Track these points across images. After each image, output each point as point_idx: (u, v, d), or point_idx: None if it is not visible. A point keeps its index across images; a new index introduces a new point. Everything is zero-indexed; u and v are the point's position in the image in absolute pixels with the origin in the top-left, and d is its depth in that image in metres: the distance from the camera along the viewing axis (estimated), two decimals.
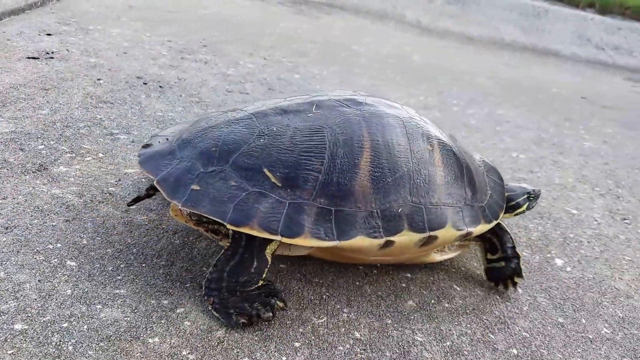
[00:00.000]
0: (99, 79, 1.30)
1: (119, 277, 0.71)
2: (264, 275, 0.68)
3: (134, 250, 0.77)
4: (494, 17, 3.24)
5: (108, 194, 0.88)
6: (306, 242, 0.65)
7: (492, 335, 0.74)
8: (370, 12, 3.13)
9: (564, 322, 0.80)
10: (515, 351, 0.72)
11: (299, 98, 0.78)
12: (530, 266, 0.92)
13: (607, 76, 2.71)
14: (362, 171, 0.69)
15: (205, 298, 0.67)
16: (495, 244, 0.83)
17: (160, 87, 1.34)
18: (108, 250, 0.75)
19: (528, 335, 0.75)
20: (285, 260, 0.81)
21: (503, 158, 1.36)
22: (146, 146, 0.75)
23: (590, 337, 0.78)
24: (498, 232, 0.83)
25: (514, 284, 0.82)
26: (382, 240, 0.69)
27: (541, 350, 0.73)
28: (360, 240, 0.68)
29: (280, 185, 0.67)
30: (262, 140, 0.69)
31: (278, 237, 0.64)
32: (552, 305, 0.83)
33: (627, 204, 1.23)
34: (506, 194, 0.86)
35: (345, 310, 0.74)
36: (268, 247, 0.68)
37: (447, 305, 0.79)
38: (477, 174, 0.82)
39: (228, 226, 0.64)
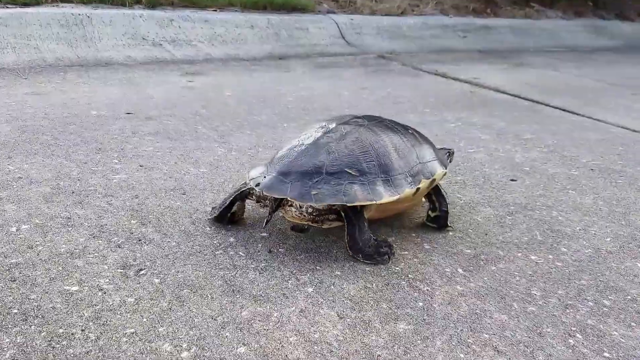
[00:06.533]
0: None
1: None
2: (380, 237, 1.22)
3: None
4: (31, 37, 2.90)
5: None
6: (386, 199, 1.14)
7: None
8: None
9: None
10: None
11: (322, 128, 1.24)
12: None
13: (164, 75, 2.76)
14: (392, 154, 1.20)
15: (354, 256, 1.16)
16: (436, 206, 1.33)
17: None
18: None
19: None
20: None
21: None
22: (257, 184, 1.14)
23: None
24: (438, 196, 1.33)
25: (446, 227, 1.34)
26: (414, 189, 1.19)
27: None
28: (407, 191, 1.18)
29: (357, 175, 1.14)
30: (332, 155, 1.15)
31: (375, 202, 1.13)
32: None
33: (146, 251, 1.16)
34: None
35: None
36: (365, 214, 1.17)
37: None
38: (433, 143, 1.37)
39: (347, 204, 1.11)
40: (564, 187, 1.65)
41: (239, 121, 2.09)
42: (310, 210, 1.15)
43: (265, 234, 1.24)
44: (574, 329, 0.99)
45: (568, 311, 1.05)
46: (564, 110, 2.65)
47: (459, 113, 2.45)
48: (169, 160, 1.63)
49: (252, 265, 1.11)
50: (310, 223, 1.17)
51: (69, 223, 1.21)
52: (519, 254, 1.25)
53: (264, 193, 1.13)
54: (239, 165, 1.64)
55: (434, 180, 1.26)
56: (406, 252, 1.22)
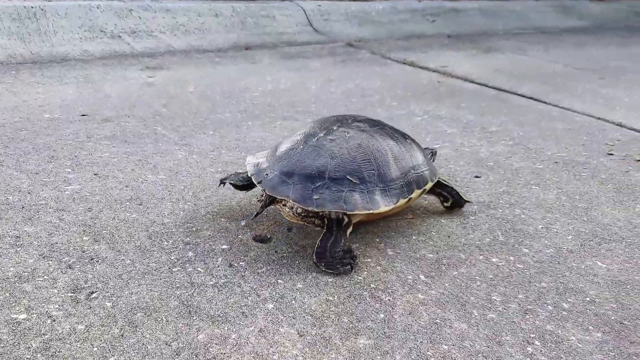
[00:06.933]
0: None
1: None
2: (345, 246, 1.20)
3: None
4: None
5: None
6: (383, 209, 1.19)
7: None
8: None
9: None
10: None
11: (325, 129, 1.27)
12: None
13: (122, 70, 2.69)
14: (392, 164, 1.25)
15: (317, 263, 1.17)
16: (447, 197, 1.44)
17: None
18: None
19: None
20: None
21: None
22: (260, 182, 1.20)
23: None
24: (444, 189, 1.44)
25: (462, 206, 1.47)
26: (408, 199, 1.26)
27: None
28: (401, 202, 1.24)
29: (358, 183, 1.18)
30: (335, 160, 1.20)
31: (372, 211, 1.18)
32: None
33: (98, 271, 1.13)
34: None
35: None
36: (348, 230, 1.21)
37: None
38: (425, 150, 1.50)
39: (348, 212, 1.16)
40: (528, 183, 1.68)
41: (201, 120, 2.06)
42: (299, 210, 1.20)
43: (226, 246, 1.23)
44: (533, 335, 1.01)
45: (527, 317, 1.06)
46: (531, 98, 2.68)
47: (427, 105, 2.45)
48: (126, 167, 1.59)
49: (211, 282, 1.10)
50: (305, 223, 1.24)
51: (18, 243, 1.18)
52: (481, 257, 1.26)
53: (267, 192, 1.19)
54: (199, 169, 1.62)
55: (425, 190, 1.33)
56: (369, 260, 1.22)
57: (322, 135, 1.24)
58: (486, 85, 2.88)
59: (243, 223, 1.33)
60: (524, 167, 1.80)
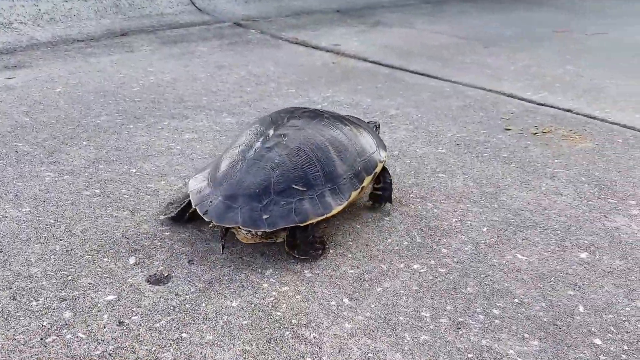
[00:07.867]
0: None
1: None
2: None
3: None
4: None
5: None
6: (336, 210, 1.14)
7: None
8: None
9: None
10: None
11: (262, 135, 1.20)
12: None
13: None
14: (335, 159, 1.19)
15: (290, 252, 1.15)
16: (380, 178, 1.36)
17: None
18: None
19: None
20: None
21: None
22: (205, 212, 1.08)
23: None
24: (384, 175, 1.36)
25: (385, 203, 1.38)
26: (360, 189, 1.22)
27: None
28: (353, 194, 1.19)
29: (305, 189, 1.12)
30: (277, 171, 1.11)
31: (325, 216, 1.12)
32: None
33: None
34: None
35: None
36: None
37: None
38: (374, 131, 1.42)
39: (301, 225, 1.10)
40: (434, 171, 1.60)
41: (72, 128, 1.75)
42: (254, 234, 1.14)
43: (112, 297, 1.01)
44: (471, 355, 0.92)
45: (461, 332, 0.97)
46: (423, 74, 2.63)
47: (325, 91, 2.31)
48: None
49: (97, 352, 0.88)
50: (264, 241, 1.16)
51: None
52: (402, 265, 1.15)
53: (214, 223, 1.07)
54: (73, 194, 1.35)
55: (376, 173, 1.29)
56: (286, 288, 1.07)
57: (259, 145, 1.17)
58: (379, 64, 2.79)
59: (132, 261, 1.12)
60: (427, 152, 1.72)
